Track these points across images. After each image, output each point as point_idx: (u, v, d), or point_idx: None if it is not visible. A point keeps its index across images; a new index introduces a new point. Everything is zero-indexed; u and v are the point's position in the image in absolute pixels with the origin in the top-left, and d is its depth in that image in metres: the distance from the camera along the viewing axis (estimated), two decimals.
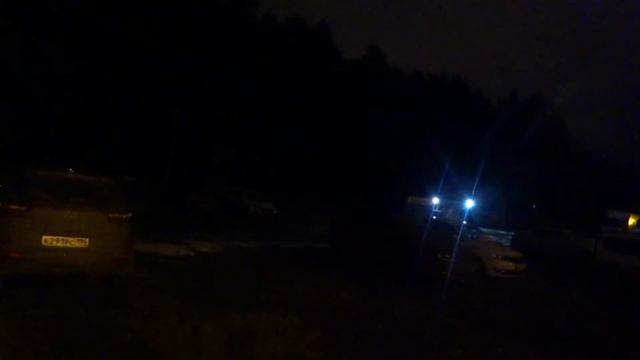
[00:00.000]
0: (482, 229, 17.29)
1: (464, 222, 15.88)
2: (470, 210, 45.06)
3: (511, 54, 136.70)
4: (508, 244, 20.89)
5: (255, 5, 47.09)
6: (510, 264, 11.93)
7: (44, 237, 5.83)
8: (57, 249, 5.92)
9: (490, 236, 14.29)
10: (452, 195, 47.20)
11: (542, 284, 12.81)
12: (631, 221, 47.57)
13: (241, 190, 27.73)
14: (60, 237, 5.91)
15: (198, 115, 37.76)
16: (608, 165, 71.40)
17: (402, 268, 10.09)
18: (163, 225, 15.71)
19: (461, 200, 46.63)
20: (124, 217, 6.33)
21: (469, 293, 9.89)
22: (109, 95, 32.71)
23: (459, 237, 12.32)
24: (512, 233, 30.03)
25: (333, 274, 10.07)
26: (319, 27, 54.56)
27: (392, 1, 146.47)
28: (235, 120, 39.91)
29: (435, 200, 44.86)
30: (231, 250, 11.91)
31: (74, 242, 5.99)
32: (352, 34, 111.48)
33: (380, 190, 48.20)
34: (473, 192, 48.97)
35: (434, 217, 27.49)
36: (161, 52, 34.82)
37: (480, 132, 54.57)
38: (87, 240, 6.05)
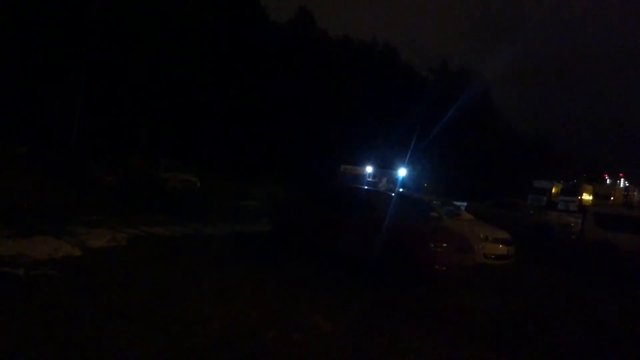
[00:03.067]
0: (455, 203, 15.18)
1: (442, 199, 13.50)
2: (403, 179, 44.01)
3: (440, 26, 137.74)
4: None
5: None
6: (502, 247, 9.75)
7: None
8: None
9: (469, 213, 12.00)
10: (385, 163, 45.97)
11: (539, 271, 10.67)
12: (555, 190, 48.89)
13: (158, 160, 23.80)
14: None
15: (108, 76, 32.75)
16: (528, 136, 73.72)
17: (380, 265, 7.47)
18: (53, 207, 12.05)
19: (394, 169, 45.47)
20: None
21: (484, 297, 7.46)
22: None
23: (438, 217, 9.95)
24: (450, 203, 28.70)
25: (288, 280, 7.19)
26: None
27: None
28: (150, 83, 35.29)
29: (369, 169, 43.36)
30: (139, 241, 8.65)
31: None
32: None
33: (311, 159, 45.66)
34: (405, 161, 47.95)
35: (377, 188, 25.36)
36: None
37: (409, 101, 53.34)
38: None
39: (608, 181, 73.56)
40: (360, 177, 42.07)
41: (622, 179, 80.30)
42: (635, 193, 71.55)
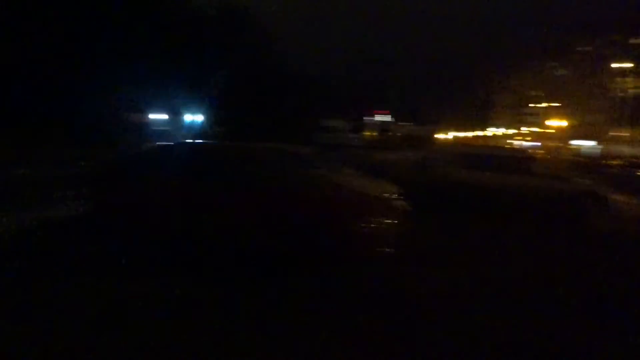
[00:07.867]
0: None
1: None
2: (189, 124, 40.94)
3: None
4: None
5: None
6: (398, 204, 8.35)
7: None
8: None
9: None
10: (178, 110, 42.52)
11: (440, 224, 9.58)
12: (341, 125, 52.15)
13: None
14: None
15: None
16: (311, 77, 75.35)
17: (301, 256, 5.33)
18: None
19: (180, 114, 42.06)
20: None
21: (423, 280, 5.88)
22: None
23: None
24: None
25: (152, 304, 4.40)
26: None
27: None
28: None
29: (160, 116, 39.53)
30: None
31: None
32: None
33: (92, 111, 38.17)
34: (199, 107, 44.57)
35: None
36: None
37: (196, 40, 48.86)
38: None
39: (377, 117, 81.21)
40: (145, 125, 38.22)
41: (388, 116, 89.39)
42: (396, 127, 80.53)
